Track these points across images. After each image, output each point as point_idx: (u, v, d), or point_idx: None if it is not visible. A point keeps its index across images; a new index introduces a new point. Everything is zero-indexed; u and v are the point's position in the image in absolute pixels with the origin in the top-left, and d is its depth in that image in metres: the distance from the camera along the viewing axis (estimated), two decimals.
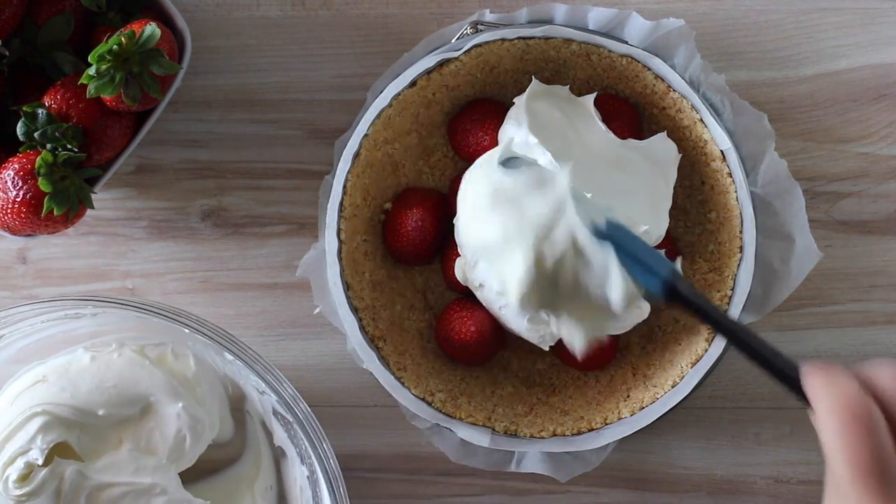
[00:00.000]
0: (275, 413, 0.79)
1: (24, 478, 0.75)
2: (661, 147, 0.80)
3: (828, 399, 0.53)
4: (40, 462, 0.75)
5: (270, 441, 0.83)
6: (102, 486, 0.77)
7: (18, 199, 0.75)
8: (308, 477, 0.80)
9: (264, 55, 0.86)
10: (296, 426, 0.75)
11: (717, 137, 0.78)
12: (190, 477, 0.82)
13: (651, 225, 0.76)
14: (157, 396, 0.79)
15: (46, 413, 0.77)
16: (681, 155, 0.80)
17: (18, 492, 0.75)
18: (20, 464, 0.75)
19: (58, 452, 0.77)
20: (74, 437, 0.77)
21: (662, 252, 0.71)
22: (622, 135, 0.79)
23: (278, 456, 0.84)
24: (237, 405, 0.84)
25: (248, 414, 0.84)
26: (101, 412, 0.78)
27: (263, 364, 0.75)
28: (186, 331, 0.75)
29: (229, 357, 0.76)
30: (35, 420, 0.76)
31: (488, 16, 0.81)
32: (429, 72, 0.79)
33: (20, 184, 0.75)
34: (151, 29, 0.75)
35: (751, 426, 0.86)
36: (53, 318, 0.78)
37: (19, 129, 0.77)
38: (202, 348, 0.80)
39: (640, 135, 0.81)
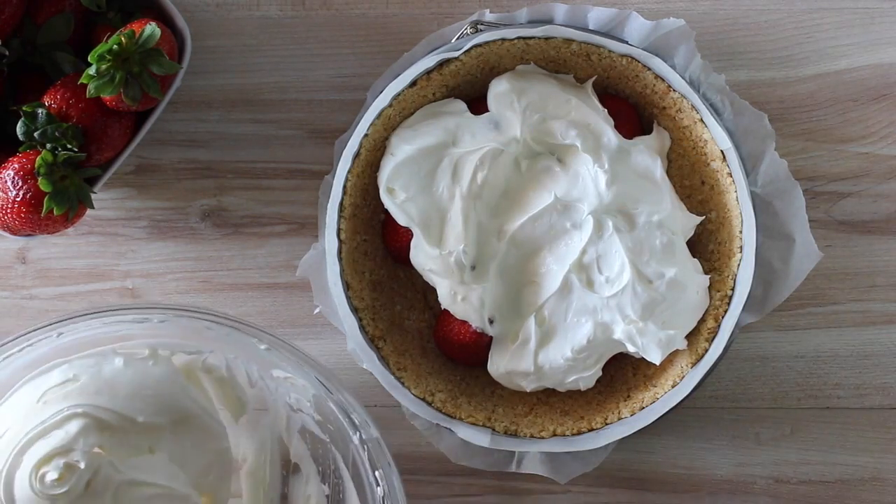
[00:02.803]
0: (302, 430, 0.79)
1: (62, 478, 0.75)
2: (658, 139, 0.80)
3: None
4: (83, 466, 0.74)
5: (282, 456, 0.82)
6: (134, 484, 0.76)
7: (18, 199, 0.75)
8: (328, 496, 0.79)
9: (264, 55, 0.86)
10: (331, 446, 0.75)
11: (717, 137, 0.78)
12: None
13: (657, 210, 0.77)
14: (197, 418, 0.78)
15: (87, 415, 0.75)
16: (671, 142, 0.81)
17: (56, 490, 0.74)
18: (59, 463, 0.74)
19: None
20: (106, 440, 0.76)
21: None
22: (622, 135, 0.79)
23: (288, 471, 0.83)
24: (256, 416, 0.84)
25: (264, 427, 0.83)
26: (140, 419, 0.76)
27: (337, 386, 0.75)
28: (263, 347, 0.75)
29: (281, 374, 0.75)
30: (75, 421, 0.75)
31: (488, 16, 0.81)
32: (429, 72, 0.79)
33: (20, 184, 0.75)
34: (151, 29, 0.75)
35: (751, 426, 0.86)
36: (114, 321, 0.77)
37: (19, 128, 0.77)
38: (236, 362, 0.79)
39: (640, 135, 0.81)
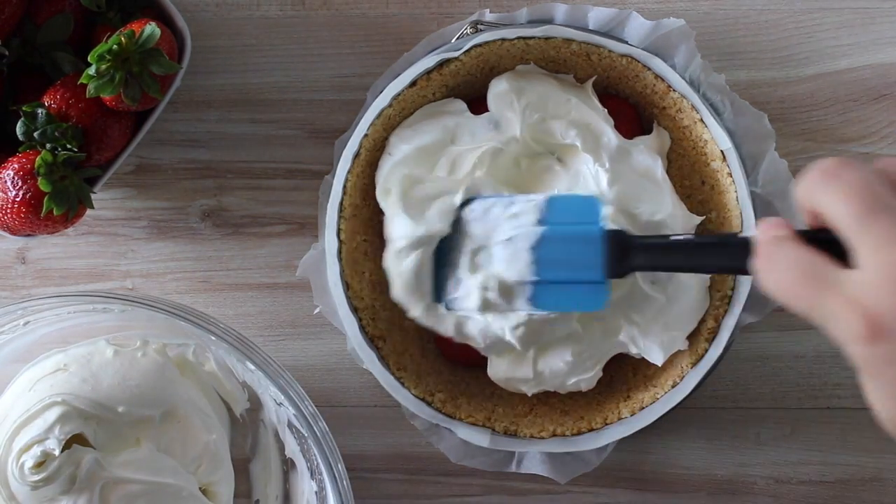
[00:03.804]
0: (289, 426, 0.79)
1: (40, 465, 0.76)
2: (658, 139, 0.80)
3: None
4: (57, 452, 0.75)
5: (281, 451, 0.83)
6: (120, 481, 0.77)
7: (18, 199, 0.75)
8: (316, 493, 0.80)
9: (264, 55, 0.86)
10: (311, 442, 0.76)
11: (717, 137, 0.78)
12: None
13: (658, 210, 0.77)
14: (185, 410, 0.79)
15: (66, 403, 0.77)
16: (671, 142, 0.81)
17: (34, 478, 0.75)
18: (36, 451, 0.75)
19: (75, 442, 0.77)
20: (91, 430, 0.77)
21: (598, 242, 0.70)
22: (622, 135, 0.79)
23: (288, 467, 0.84)
24: (253, 411, 0.84)
25: (262, 423, 0.84)
26: (120, 409, 0.78)
27: (286, 378, 0.75)
28: (213, 337, 0.75)
29: (251, 367, 0.76)
30: (54, 409, 0.76)
31: (488, 16, 0.81)
32: (429, 72, 0.79)
33: (20, 184, 0.75)
34: (151, 29, 0.75)
35: (751, 426, 0.86)
36: (81, 310, 0.78)
37: (19, 128, 0.77)
38: (224, 354, 0.80)
39: (640, 135, 0.81)
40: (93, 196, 0.78)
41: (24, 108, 0.76)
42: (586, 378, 0.79)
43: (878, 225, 0.52)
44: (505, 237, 0.71)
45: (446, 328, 0.77)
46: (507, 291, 0.71)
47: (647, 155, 0.79)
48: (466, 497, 0.87)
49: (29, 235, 0.79)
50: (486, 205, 0.73)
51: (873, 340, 0.52)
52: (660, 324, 0.77)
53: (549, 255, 0.70)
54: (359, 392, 0.87)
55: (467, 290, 0.72)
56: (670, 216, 0.78)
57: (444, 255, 0.74)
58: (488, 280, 0.71)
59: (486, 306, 0.72)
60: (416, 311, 0.77)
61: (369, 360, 0.80)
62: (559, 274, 0.70)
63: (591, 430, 0.80)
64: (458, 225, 0.74)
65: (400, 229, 0.76)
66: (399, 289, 0.76)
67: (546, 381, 0.79)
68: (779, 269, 0.55)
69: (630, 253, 0.68)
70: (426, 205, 0.76)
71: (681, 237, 0.68)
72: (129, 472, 0.77)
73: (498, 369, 0.80)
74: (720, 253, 0.64)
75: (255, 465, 0.85)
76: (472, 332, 0.77)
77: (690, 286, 0.78)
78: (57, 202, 0.75)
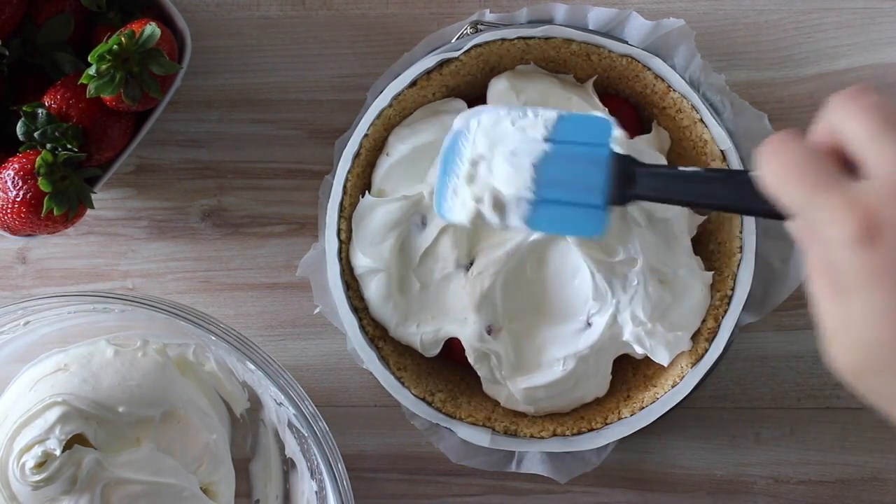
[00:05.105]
0: (290, 425, 0.79)
1: (41, 465, 0.76)
2: (658, 139, 0.80)
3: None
4: (58, 452, 0.75)
5: (281, 451, 0.83)
6: (121, 481, 0.77)
7: (18, 199, 0.75)
8: (316, 493, 0.80)
9: (264, 55, 0.86)
10: (311, 442, 0.76)
11: (717, 137, 0.78)
12: None
13: (656, 208, 0.77)
14: (185, 410, 0.79)
15: (66, 404, 0.77)
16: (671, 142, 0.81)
17: (35, 478, 0.75)
18: (37, 451, 0.75)
19: (76, 442, 0.77)
20: (91, 430, 0.77)
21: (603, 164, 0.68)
22: None
23: (288, 467, 0.84)
24: (253, 411, 0.84)
25: (262, 423, 0.84)
26: (121, 409, 0.78)
27: (286, 378, 0.75)
28: (213, 337, 0.75)
29: (251, 367, 0.76)
30: (54, 409, 0.76)
31: (488, 16, 0.81)
32: (429, 72, 0.79)
33: (20, 184, 0.75)
34: (151, 29, 0.75)
35: (751, 426, 0.86)
36: (81, 310, 0.78)
37: (19, 128, 0.77)
38: (224, 354, 0.80)
39: (640, 135, 0.81)
40: (93, 196, 0.78)
41: (24, 108, 0.76)
42: (593, 389, 0.79)
43: (891, 140, 0.51)
44: (509, 150, 0.69)
45: (415, 342, 0.79)
46: (501, 206, 0.69)
47: (647, 155, 0.79)
48: (466, 497, 0.87)
49: (29, 235, 0.79)
50: (496, 116, 0.70)
51: (870, 243, 0.49)
52: (665, 324, 0.77)
53: (551, 174, 0.68)
54: (359, 392, 0.87)
55: (462, 200, 0.70)
56: (676, 215, 0.78)
57: (450, 161, 0.72)
58: (484, 192, 0.69)
59: (477, 218, 0.69)
60: (388, 328, 0.79)
61: (369, 360, 0.80)
62: (559, 194, 0.67)
63: (591, 430, 0.80)
64: (466, 133, 0.72)
65: (354, 258, 0.79)
66: (371, 310, 0.79)
67: (552, 407, 0.80)
68: (783, 160, 0.53)
69: (635, 180, 0.66)
70: (379, 234, 0.78)
71: (689, 168, 0.65)
72: (130, 472, 0.77)
73: (499, 397, 0.80)
74: (730, 186, 0.62)
75: (256, 464, 0.85)
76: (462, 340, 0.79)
77: (695, 286, 0.78)
78: (57, 202, 0.76)
